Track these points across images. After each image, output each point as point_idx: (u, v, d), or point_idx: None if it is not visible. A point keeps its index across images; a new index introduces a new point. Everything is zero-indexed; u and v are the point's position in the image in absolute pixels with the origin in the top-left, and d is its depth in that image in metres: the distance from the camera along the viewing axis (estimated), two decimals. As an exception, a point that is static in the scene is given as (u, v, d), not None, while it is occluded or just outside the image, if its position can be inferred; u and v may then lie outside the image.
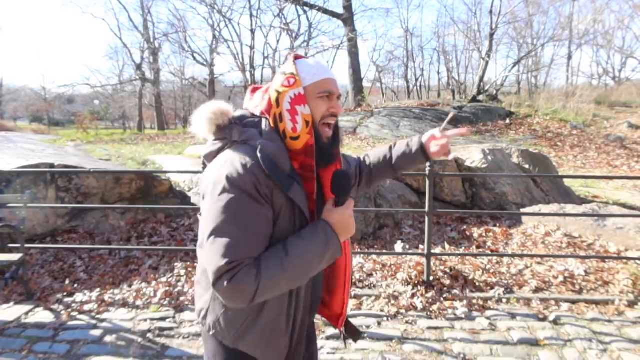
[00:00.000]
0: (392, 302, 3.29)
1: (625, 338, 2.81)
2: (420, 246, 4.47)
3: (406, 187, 5.73)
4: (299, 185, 1.09)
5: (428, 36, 42.56)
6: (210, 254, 1.01)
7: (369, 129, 13.02)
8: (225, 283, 0.98)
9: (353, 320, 3.07)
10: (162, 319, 3.13)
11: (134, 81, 26.64)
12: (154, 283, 3.65)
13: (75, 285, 3.71)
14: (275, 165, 1.07)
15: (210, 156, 1.17)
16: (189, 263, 4.01)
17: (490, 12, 16.62)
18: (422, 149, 1.48)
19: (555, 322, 3.02)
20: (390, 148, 1.55)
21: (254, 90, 1.26)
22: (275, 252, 1.05)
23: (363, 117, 14.25)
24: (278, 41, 22.63)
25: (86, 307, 3.30)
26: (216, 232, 1.01)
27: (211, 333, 1.17)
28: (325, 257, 1.08)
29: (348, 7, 17.96)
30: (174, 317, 3.15)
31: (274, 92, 1.15)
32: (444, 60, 24.97)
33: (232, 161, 1.06)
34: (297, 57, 1.20)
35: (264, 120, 1.15)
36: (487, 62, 17.02)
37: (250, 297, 1.00)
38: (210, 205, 1.04)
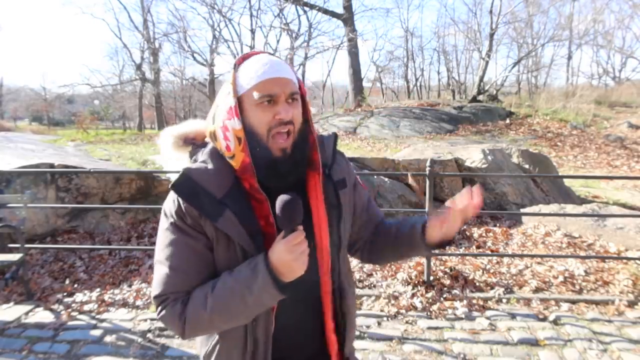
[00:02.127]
0: (392, 302, 3.29)
1: (626, 338, 2.81)
2: (420, 246, 4.46)
3: (406, 187, 5.73)
4: (232, 213, 0.94)
5: (428, 36, 42.56)
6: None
7: (369, 129, 13.04)
8: (157, 314, 0.98)
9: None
10: (162, 319, 3.12)
11: (134, 81, 26.64)
12: (154, 283, 3.65)
13: (75, 285, 3.71)
14: (195, 192, 0.95)
15: None
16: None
17: (490, 12, 16.62)
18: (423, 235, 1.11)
19: (555, 322, 3.02)
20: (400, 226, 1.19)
21: None
22: (204, 287, 0.96)
23: (363, 117, 14.26)
24: (278, 41, 22.55)
25: (86, 307, 3.30)
26: (155, 263, 1.00)
27: None
28: (250, 299, 0.91)
29: (348, 7, 17.97)
30: (174, 317, 3.14)
31: (214, 107, 1.03)
32: (444, 60, 24.97)
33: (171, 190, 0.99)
34: (244, 58, 1.01)
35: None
36: (487, 62, 17.03)
37: (180, 332, 0.96)
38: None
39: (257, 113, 0.96)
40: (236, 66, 1.00)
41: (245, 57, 1.01)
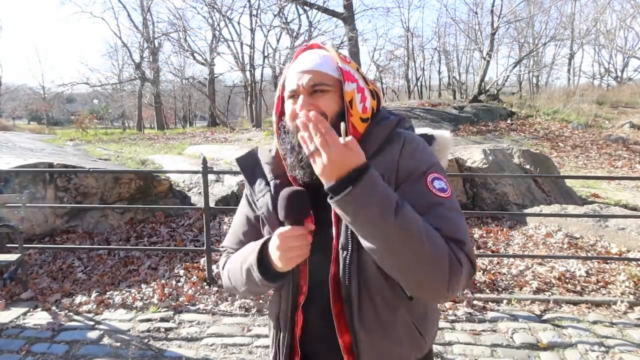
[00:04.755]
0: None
1: (627, 340, 2.79)
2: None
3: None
4: (271, 196, 0.99)
5: (429, 36, 42.49)
6: None
7: (370, 129, 12.98)
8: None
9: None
10: (162, 319, 3.11)
11: (134, 80, 26.62)
12: (153, 283, 3.63)
13: (74, 286, 3.69)
14: (253, 168, 1.06)
15: None
16: (188, 263, 3.99)
17: (492, 11, 16.58)
18: None
19: (556, 323, 3.00)
20: None
21: None
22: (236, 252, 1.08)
23: (363, 117, 14.21)
24: (278, 40, 22.48)
25: (85, 308, 3.28)
26: None
27: None
28: (244, 272, 0.96)
29: (348, 6, 17.92)
30: (173, 318, 3.13)
31: None
32: (444, 60, 24.93)
33: None
34: (302, 51, 1.01)
35: None
36: (488, 62, 16.99)
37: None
38: None
39: (286, 108, 0.98)
40: (294, 58, 1.01)
41: (303, 50, 1.02)
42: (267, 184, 1.01)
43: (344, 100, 0.94)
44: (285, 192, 0.87)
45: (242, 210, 1.11)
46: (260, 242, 0.95)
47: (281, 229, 0.86)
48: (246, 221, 1.09)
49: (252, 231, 1.07)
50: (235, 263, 1.02)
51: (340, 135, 0.81)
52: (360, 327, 0.94)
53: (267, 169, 1.03)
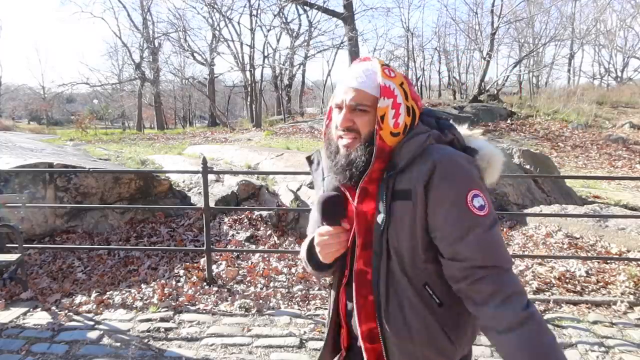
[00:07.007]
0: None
1: (627, 340, 2.79)
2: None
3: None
4: (323, 191, 1.14)
5: (429, 36, 42.48)
6: None
7: (370, 129, 12.99)
8: None
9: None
10: (162, 319, 3.11)
11: (134, 80, 26.63)
12: (153, 283, 3.63)
13: (74, 286, 3.69)
14: (316, 164, 1.22)
15: None
16: (188, 263, 3.99)
17: (492, 11, 16.59)
18: None
19: (556, 323, 3.00)
20: None
21: None
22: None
23: (363, 117, 14.22)
24: (278, 41, 22.39)
25: (85, 308, 3.28)
26: None
27: None
28: (303, 261, 1.20)
29: (348, 6, 17.91)
30: (173, 318, 3.13)
31: None
32: (444, 60, 24.93)
33: None
34: (355, 62, 1.10)
35: None
36: (488, 62, 16.99)
37: None
38: None
39: (333, 116, 1.09)
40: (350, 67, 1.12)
41: (358, 61, 1.10)
42: (323, 179, 1.15)
43: (379, 122, 1.00)
44: (321, 197, 1.05)
45: (313, 201, 1.28)
46: (309, 237, 1.15)
47: (320, 229, 1.06)
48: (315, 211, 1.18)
49: (319, 221, 1.14)
50: (301, 252, 1.19)
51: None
52: (388, 326, 1.01)
53: (326, 166, 1.14)
